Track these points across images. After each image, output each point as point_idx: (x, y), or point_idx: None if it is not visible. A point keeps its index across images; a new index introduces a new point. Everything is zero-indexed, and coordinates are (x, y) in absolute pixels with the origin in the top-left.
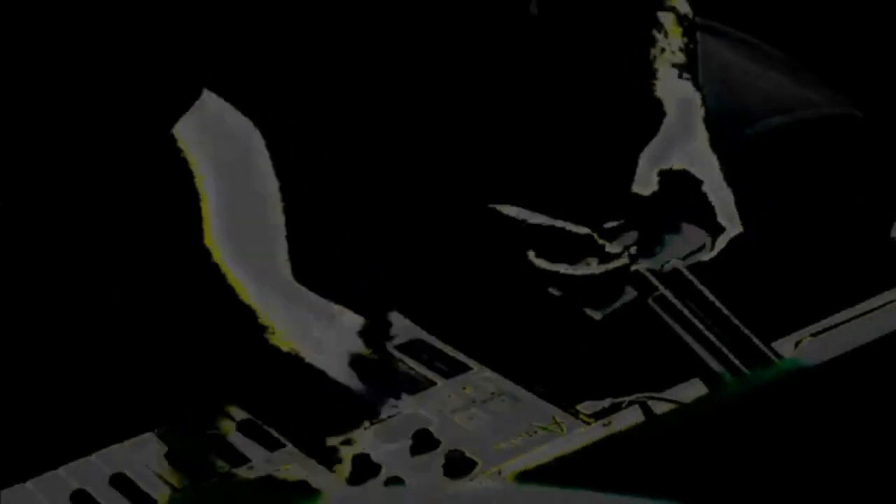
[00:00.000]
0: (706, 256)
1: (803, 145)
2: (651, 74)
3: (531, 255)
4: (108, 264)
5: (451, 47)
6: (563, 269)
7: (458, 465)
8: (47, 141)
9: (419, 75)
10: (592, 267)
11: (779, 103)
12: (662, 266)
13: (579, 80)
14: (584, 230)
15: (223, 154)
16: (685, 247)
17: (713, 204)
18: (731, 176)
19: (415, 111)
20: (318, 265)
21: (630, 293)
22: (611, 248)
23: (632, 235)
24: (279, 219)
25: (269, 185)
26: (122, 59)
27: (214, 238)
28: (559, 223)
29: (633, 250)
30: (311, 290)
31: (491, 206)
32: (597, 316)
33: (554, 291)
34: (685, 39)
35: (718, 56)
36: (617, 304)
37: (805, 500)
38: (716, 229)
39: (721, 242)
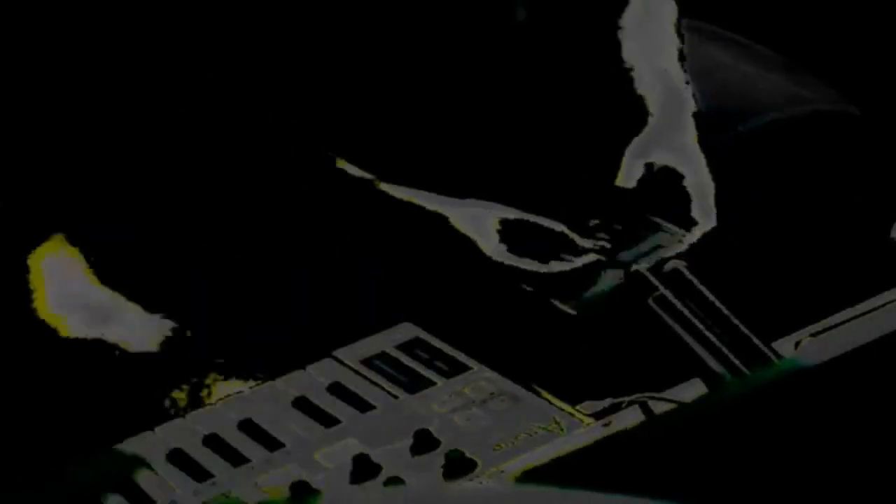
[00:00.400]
0: (681, 248)
1: (800, 142)
2: (638, 71)
3: (496, 251)
4: (108, 264)
5: (444, 51)
6: (531, 265)
7: (458, 465)
8: (47, 141)
9: (417, 77)
10: (563, 262)
11: (774, 101)
12: (662, 266)
13: (565, 77)
14: (557, 225)
15: None
16: (659, 241)
17: (692, 198)
18: (729, 174)
19: (409, 113)
20: (318, 266)
21: (605, 285)
22: (583, 242)
23: (608, 230)
24: None
25: None
26: (122, 59)
27: None
28: (533, 218)
29: (606, 245)
30: (313, 290)
31: (460, 201)
32: (572, 310)
33: (526, 287)
34: (673, 38)
35: (714, 58)
36: (591, 297)
37: (805, 500)
38: (690, 224)
39: (694, 236)
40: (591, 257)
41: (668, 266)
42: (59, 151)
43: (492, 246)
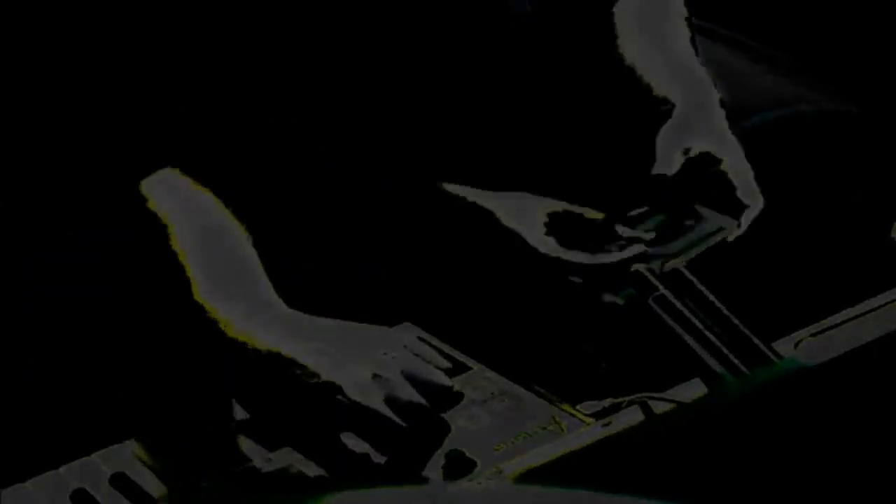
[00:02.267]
0: (733, 234)
1: (801, 142)
2: (656, 61)
3: (548, 244)
4: (108, 264)
5: (460, 44)
6: (581, 258)
7: (458, 465)
8: (47, 141)
9: (423, 74)
10: (611, 255)
11: (776, 100)
12: (662, 266)
13: (591, 68)
14: (602, 216)
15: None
16: (706, 229)
17: (734, 182)
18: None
19: (419, 108)
20: (318, 266)
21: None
22: (630, 233)
23: (654, 220)
24: (256, 261)
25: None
26: (123, 59)
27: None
28: (577, 209)
29: (649, 234)
30: (312, 290)
31: (504, 194)
32: (619, 301)
33: (574, 279)
34: (685, 29)
35: (717, 57)
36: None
37: (805, 500)
38: (738, 207)
39: (746, 220)
40: (638, 248)
41: (668, 266)
42: (58, 151)
43: (540, 240)
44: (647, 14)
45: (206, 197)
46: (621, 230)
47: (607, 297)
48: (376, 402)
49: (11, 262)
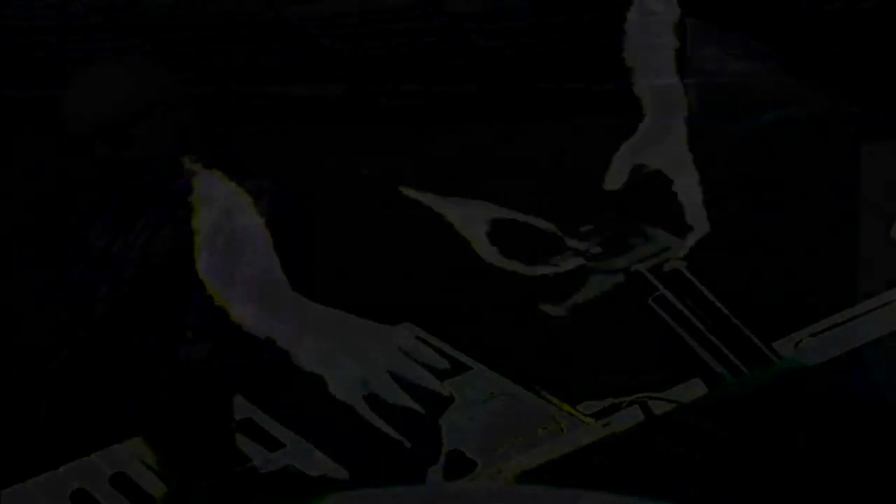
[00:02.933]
0: (676, 255)
1: (801, 142)
2: (635, 74)
3: (490, 252)
4: (109, 264)
5: (440, 50)
6: (520, 268)
7: (458, 465)
8: (46, 141)
9: (425, 74)
10: (552, 265)
11: (777, 100)
12: (663, 266)
13: (564, 78)
14: (548, 227)
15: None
16: (650, 248)
17: (682, 204)
18: (730, 174)
19: (420, 108)
20: (317, 266)
21: (595, 290)
22: (574, 245)
23: (599, 234)
24: (268, 242)
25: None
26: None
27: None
28: (524, 219)
29: (595, 249)
30: (312, 290)
31: (463, 201)
32: (557, 312)
33: (513, 289)
34: (673, 39)
35: (716, 57)
36: (577, 302)
37: (805, 500)
38: (683, 229)
39: (689, 242)
40: (582, 261)
41: (668, 266)
42: (59, 151)
43: (484, 248)
44: (636, 24)
45: (232, 189)
46: (570, 242)
47: (546, 307)
48: (357, 402)
49: (11, 262)
